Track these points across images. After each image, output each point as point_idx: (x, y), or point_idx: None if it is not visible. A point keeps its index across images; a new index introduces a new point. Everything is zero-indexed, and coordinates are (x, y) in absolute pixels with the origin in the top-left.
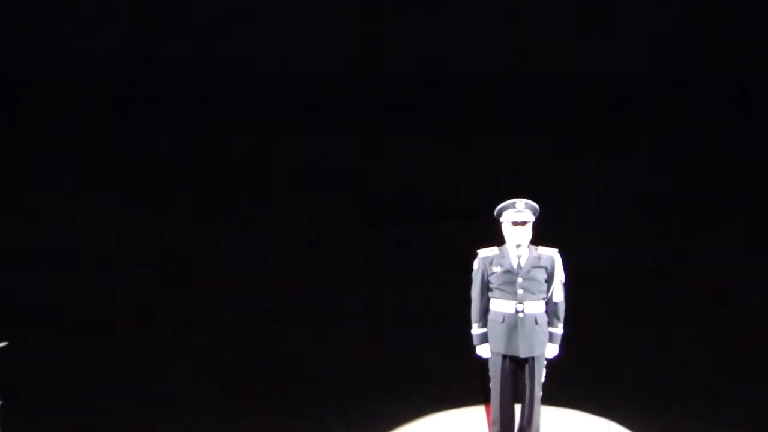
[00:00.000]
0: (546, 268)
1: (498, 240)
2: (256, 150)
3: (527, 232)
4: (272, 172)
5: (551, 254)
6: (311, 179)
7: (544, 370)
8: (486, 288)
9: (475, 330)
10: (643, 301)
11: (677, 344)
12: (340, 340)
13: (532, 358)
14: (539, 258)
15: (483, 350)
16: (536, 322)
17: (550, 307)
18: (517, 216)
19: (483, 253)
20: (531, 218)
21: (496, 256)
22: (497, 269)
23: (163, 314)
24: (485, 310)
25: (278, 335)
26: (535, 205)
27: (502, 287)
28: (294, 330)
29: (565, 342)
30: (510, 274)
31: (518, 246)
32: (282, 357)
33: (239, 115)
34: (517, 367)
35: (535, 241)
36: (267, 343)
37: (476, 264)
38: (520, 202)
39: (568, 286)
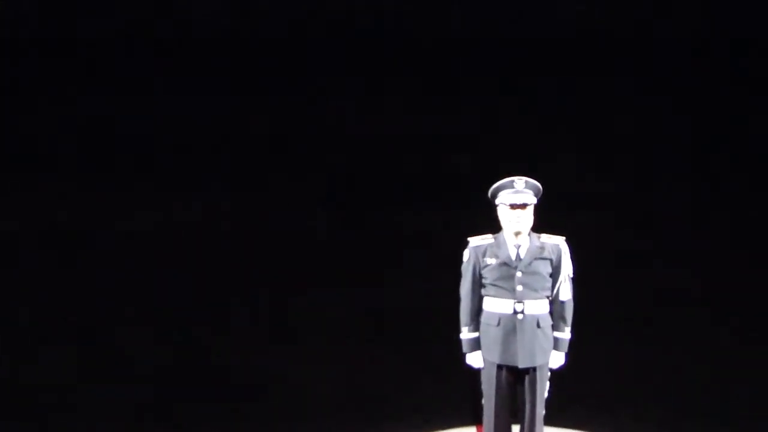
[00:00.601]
0: (551, 260)
1: (493, 226)
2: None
3: (528, 216)
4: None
5: (557, 243)
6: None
7: (548, 383)
8: (478, 284)
9: (465, 335)
10: (668, 299)
11: (705, 353)
12: (300, 349)
13: (533, 369)
14: (543, 248)
15: (474, 359)
16: (538, 325)
17: (556, 307)
18: (516, 197)
19: (475, 241)
20: (532, 200)
21: (491, 245)
22: (492, 261)
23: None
24: (477, 311)
25: (223, 343)
26: (537, 184)
27: (498, 283)
28: (240, 338)
29: (573, 349)
30: (507, 267)
31: (517, 233)
32: (231, 370)
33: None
34: (515, 379)
35: (538, 227)
36: (211, 350)
37: (466, 255)
38: (519, 181)
39: (577, 282)
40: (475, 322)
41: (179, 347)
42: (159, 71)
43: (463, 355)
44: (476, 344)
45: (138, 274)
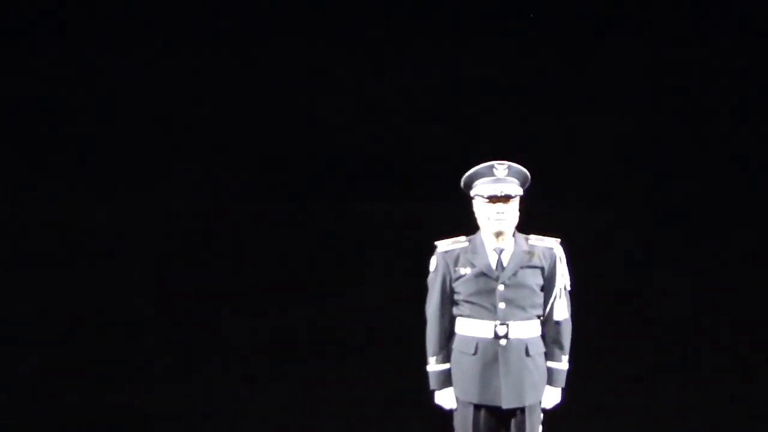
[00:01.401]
0: (542, 269)
1: (468, 226)
2: None
3: (512, 212)
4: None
5: (551, 247)
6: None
7: (540, 428)
8: (449, 301)
9: (433, 366)
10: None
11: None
12: (231, 378)
13: (521, 410)
14: (531, 253)
15: (445, 397)
16: (527, 353)
17: (549, 330)
18: (496, 187)
19: (444, 246)
20: (518, 191)
21: (465, 250)
22: (467, 271)
23: None
24: (448, 336)
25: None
26: (524, 170)
27: (475, 299)
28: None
29: (572, 383)
30: (486, 278)
31: (498, 234)
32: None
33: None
34: (498, 423)
35: (526, 227)
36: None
37: (433, 263)
38: (501, 166)
39: (576, 297)
40: (446, 351)
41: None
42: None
43: (431, 393)
44: (446, 379)
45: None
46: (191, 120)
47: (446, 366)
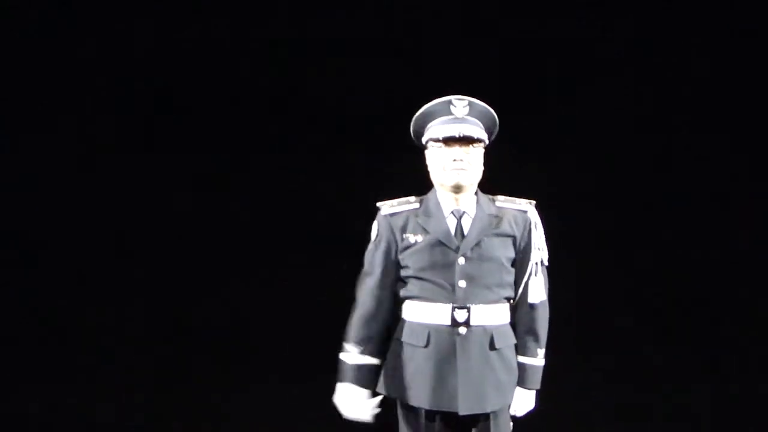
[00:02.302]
0: (513, 238)
1: (422, 185)
2: None
3: (475, 161)
4: None
5: (524, 210)
6: None
7: None
8: (393, 278)
9: (350, 357)
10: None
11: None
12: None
13: (486, 417)
14: (499, 218)
15: (350, 398)
16: (492, 346)
17: (522, 316)
18: (454, 128)
19: (389, 208)
20: (481, 134)
21: (415, 213)
22: (417, 239)
23: None
24: (382, 324)
25: None
26: (490, 110)
27: (428, 276)
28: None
29: (549, 383)
30: (443, 248)
31: (458, 190)
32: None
33: None
34: None
35: (493, 188)
36: None
37: (375, 230)
38: (460, 103)
39: (554, 274)
40: (374, 344)
41: None
42: None
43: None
44: (366, 377)
45: None
46: None
47: (369, 361)
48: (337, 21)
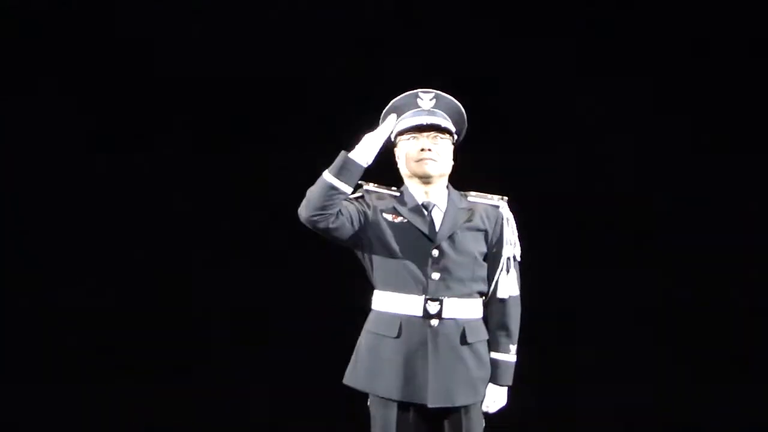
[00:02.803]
0: (485, 232)
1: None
2: None
3: (444, 151)
4: None
5: (496, 205)
6: None
7: None
8: (350, 218)
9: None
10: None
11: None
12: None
13: (457, 411)
14: (471, 211)
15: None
16: (464, 340)
17: (494, 311)
18: (421, 118)
19: (373, 187)
20: (449, 125)
21: (395, 199)
22: (394, 220)
23: None
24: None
25: None
26: (457, 104)
27: (400, 266)
28: None
29: (521, 379)
30: (418, 235)
31: (426, 181)
32: None
33: None
34: (428, 426)
35: (461, 182)
36: None
37: (356, 194)
38: (427, 96)
39: (527, 270)
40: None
41: None
42: None
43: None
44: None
45: None
46: None
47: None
48: None
